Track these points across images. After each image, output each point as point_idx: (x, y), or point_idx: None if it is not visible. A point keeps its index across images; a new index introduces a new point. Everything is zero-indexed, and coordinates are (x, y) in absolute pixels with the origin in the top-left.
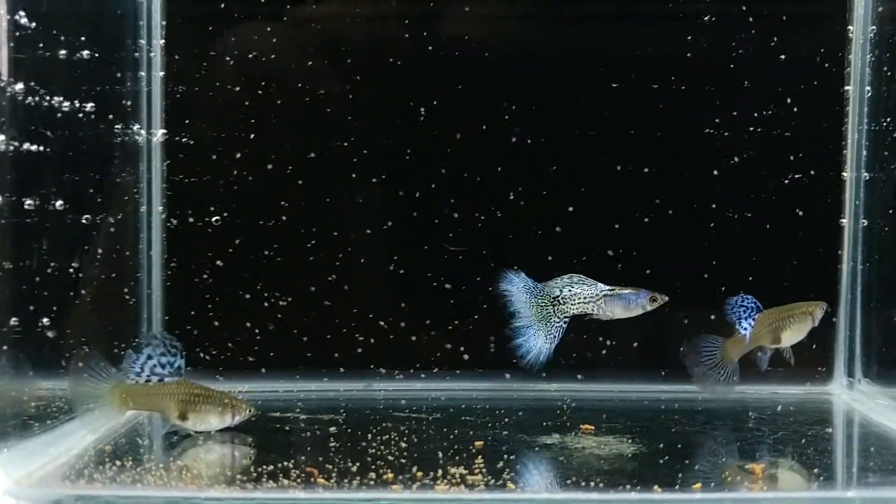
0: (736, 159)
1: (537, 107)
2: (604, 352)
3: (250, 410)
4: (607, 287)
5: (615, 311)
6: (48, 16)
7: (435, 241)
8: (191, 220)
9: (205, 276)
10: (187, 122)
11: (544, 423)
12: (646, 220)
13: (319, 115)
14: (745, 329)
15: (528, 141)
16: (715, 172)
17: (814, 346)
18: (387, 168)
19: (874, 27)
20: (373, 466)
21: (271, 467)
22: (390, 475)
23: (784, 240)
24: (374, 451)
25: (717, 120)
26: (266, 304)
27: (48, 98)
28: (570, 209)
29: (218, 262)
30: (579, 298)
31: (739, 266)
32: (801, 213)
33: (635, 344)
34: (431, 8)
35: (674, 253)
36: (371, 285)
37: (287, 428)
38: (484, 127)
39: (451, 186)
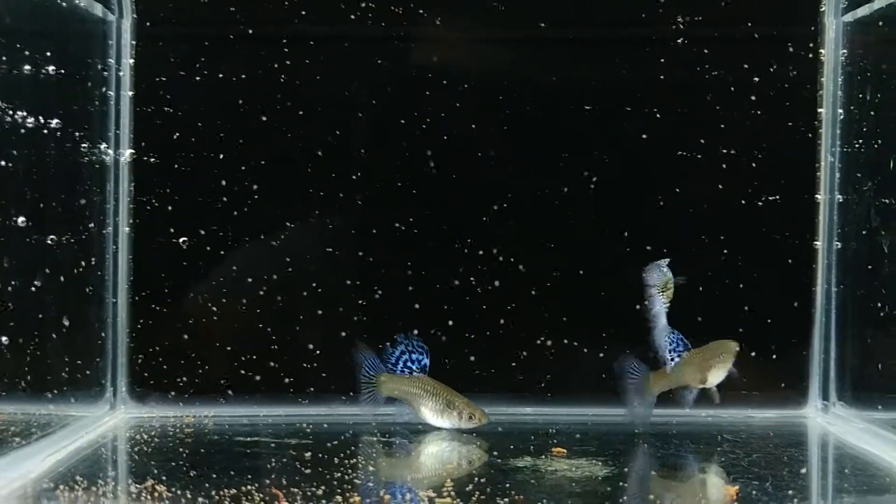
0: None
1: (506, 129)
2: (576, 374)
3: (482, 419)
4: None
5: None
6: (12, 31)
7: (405, 264)
8: (158, 240)
9: (171, 297)
10: (155, 142)
11: (514, 446)
12: (618, 243)
13: (289, 136)
14: (673, 361)
15: (500, 163)
16: (688, 195)
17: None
18: (358, 189)
19: (845, 50)
20: (339, 490)
21: (234, 491)
22: (357, 499)
23: (758, 262)
24: (340, 474)
25: (689, 143)
26: (234, 327)
27: (11, 113)
28: (542, 233)
29: (184, 284)
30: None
31: (713, 289)
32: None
33: (608, 366)
34: (407, 32)
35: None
36: (340, 309)
37: (253, 452)
38: (456, 149)
39: (425, 209)
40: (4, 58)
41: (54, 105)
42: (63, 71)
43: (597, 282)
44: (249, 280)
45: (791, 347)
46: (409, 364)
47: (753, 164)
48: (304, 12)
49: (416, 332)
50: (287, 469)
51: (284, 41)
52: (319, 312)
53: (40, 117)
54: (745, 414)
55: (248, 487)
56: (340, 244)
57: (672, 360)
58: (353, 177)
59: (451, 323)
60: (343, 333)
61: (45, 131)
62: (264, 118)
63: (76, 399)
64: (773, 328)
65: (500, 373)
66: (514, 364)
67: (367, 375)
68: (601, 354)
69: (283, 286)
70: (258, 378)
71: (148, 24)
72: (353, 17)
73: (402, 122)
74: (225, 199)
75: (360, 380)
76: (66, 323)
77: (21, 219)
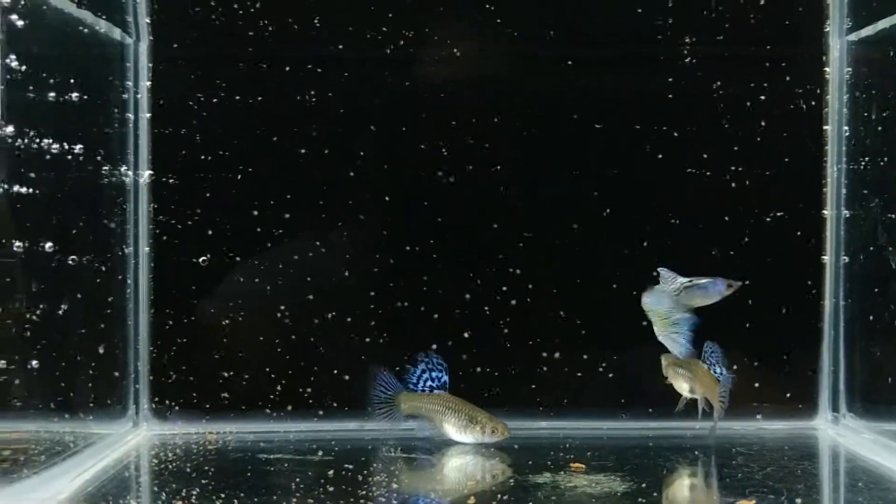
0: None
1: (519, 148)
2: (591, 388)
3: (504, 433)
4: (686, 279)
5: (695, 301)
6: (38, 59)
7: (419, 279)
8: (177, 260)
9: (192, 315)
10: (174, 163)
11: (532, 462)
12: (628, 261)
13: (304, 157)
14: (731, 377)
15: (510, 183)
16: (697, 212)
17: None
18: (373, 209)
19: (850, 69)
20: None
21: None
22: None
23: (767, 277)
24: (364, 492)
25: (698, 160)
26: (254, 344)
27: (37, 140)
28: (551, 252)
29: (205, 302)
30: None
31: (722, 305)
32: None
33: (622, 380)
34: (424, 53)
35: None
36: (360, 324)
37: (277, 469)
38: (469, 168)
39: (444, 227)
40: (31, 86)
41: (77, 129)
42: (85, 96)
43: (611, 297)
44: (269, 297)
45: (801, 360)
46: (429, 382)
47: (761, 181)
48: (320, 33)
49: (434, 347)
50: (311, 487)
51: (300, 62)
52: (339, 329)
53: (64, 143)
54: (756, 426)
55: None
56: (360, 262)
57: (723, 373)
58: (372, 195)
59: (467, 337)
60: (364, 348)
61: (69, 156)
62: (282, 138)
63: (100, 417)
64: (783, 341)
65: (515, 387)
66: (529, 378)
67: (385, 395)
68: (615, 369)
69: (303, 303)
70: (279, 394)
71: (165, 46)
72: (368, 37)
73: (421, 141)
74: (244, 218)
75: (377, 400)
76: (90, 342)
77: (48, 244)
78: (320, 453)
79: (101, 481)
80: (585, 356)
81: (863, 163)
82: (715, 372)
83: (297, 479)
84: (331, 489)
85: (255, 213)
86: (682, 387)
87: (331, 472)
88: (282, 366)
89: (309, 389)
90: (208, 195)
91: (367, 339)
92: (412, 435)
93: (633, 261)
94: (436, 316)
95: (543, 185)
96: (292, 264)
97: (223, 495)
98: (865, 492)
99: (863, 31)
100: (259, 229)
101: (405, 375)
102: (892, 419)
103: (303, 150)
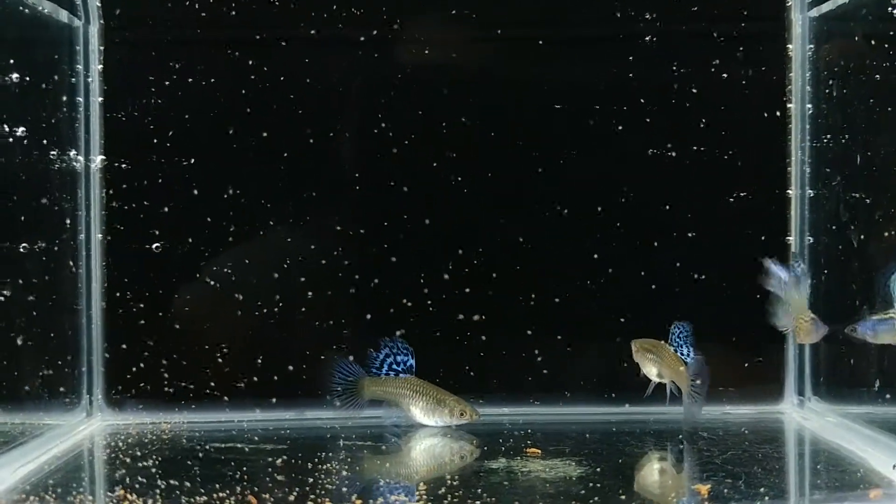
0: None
1: (478, 129)
2: (553, 373)
3: (473, 416)
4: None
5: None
6: None
7: (379, 266)
8: (131, 248)
9: (146, 303)
10: (127, 147)
11: (489, 448)
12: (588, 243)
13: (260, 142)
14: (699, 358)
15: (467, 165)
16: (660, 193)
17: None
18: (333, 195)
19: (812, 45)
20: (312, 495)
21: (205, 499)
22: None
23: (731, 259)
24: (313, 480)
25: (660, 141)
26: (209, 332)
27: None
28: (511, 235)
29: (159, 290)
30: None
31: (686, 285)
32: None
33: (586, 366)
34: (377, 34)
35: (619, 276)
36: (317, 312)
37: (228, 458)
38: (425, 147)
39: (397, 212)
40: None
41: (20, 113)
42: (28, 78)
43: (572, 281)
44: (224, 285)
45: (767, 343)
46: (394, 366)
47: (725, 161)
48: (275, 14)
49: (398, 333)
50: (260, 475)
51: (256, 44)
52: (296, 316)
53: (5, 126)
54: (722, 410)
55: (221, 494)
56: (318, 248)
57: (690, 354)
58: (332, 181)
59: (427, 324)
60: (323, 337)
61: (11, 139)
62: (237, 122)
63: (52, 408)
64: (749, 324)
65: (477, 373)
66: (491, 364)
67: (346, 381)
68: (580, 354)
69: (258, 291)
70: (236, 383)
71: (116, 28)
72: (327, 19)
73: (381, 127)
74: (199, 204)
75: (338, 387)
76: (40, 331)
77: None
78: (276, 441)
79: (47, 472)
80: (552, 341)
81: (825, 140)
82: (682, 353)
83: (247, 468)
84: (280, 478)
85: (211, 199)
86: (651, 371)
87: (283, 459)
88: (238, 354)
89: (266, 378)
90: (162, 181)
91: (326, 327)
92: (376, 422)
93: (593, 243)
94: (395, 303)
95: (503, 168)
96: (248, 252)
97: (167, 484)
98: (823, 474)
99: (824, 7)
100: (214, 216)
101: (366, 360)
102: (855, 402)
103: (259, 135)
